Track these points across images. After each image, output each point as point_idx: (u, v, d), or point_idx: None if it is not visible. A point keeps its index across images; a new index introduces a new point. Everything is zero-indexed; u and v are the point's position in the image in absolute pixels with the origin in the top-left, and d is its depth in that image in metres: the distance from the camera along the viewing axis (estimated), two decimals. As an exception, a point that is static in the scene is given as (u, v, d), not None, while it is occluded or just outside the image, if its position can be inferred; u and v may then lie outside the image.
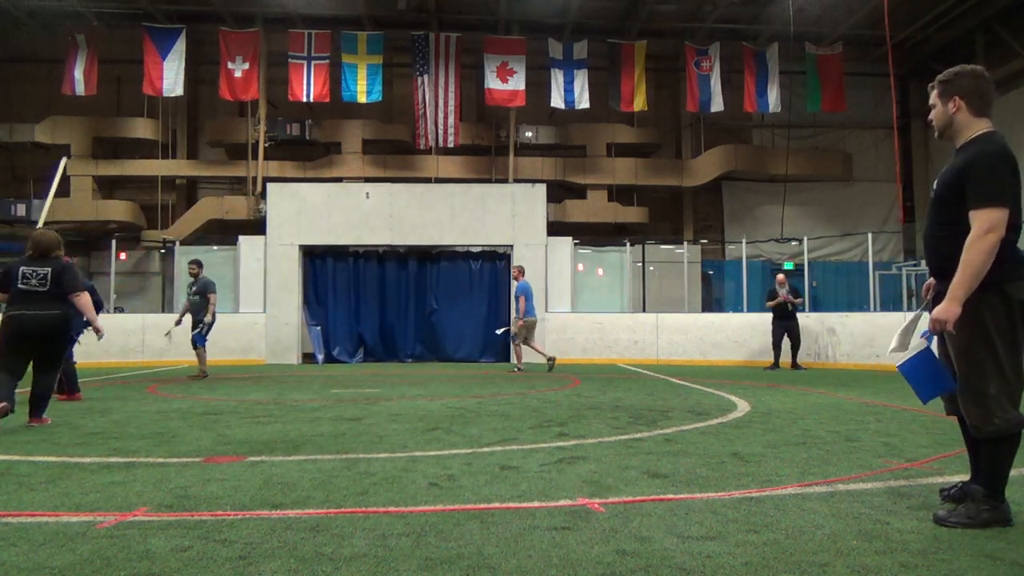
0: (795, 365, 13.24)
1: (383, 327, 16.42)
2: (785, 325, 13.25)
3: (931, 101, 3.15)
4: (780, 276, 13.77)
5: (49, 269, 5.99)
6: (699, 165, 20.56)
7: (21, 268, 5.99)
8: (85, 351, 14.67)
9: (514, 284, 13.52)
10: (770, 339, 13.49)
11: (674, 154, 21.46)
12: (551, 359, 13.02)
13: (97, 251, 19.89)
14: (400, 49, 19.62)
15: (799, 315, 13.57)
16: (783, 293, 13.24)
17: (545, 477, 3.93)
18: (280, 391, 9.07)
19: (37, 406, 6.08)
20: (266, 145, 19.34)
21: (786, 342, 13.33)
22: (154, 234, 19.60)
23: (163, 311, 17.53)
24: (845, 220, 20.45)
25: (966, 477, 3.91)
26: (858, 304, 17.63)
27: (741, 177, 21.00)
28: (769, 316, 13.63)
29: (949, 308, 2.87)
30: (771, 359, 13.44)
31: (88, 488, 3.70)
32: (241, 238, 16.28)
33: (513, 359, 13.53)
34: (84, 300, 6.12)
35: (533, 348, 13.30)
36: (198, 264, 11.39)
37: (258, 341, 15.47)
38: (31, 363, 6.10)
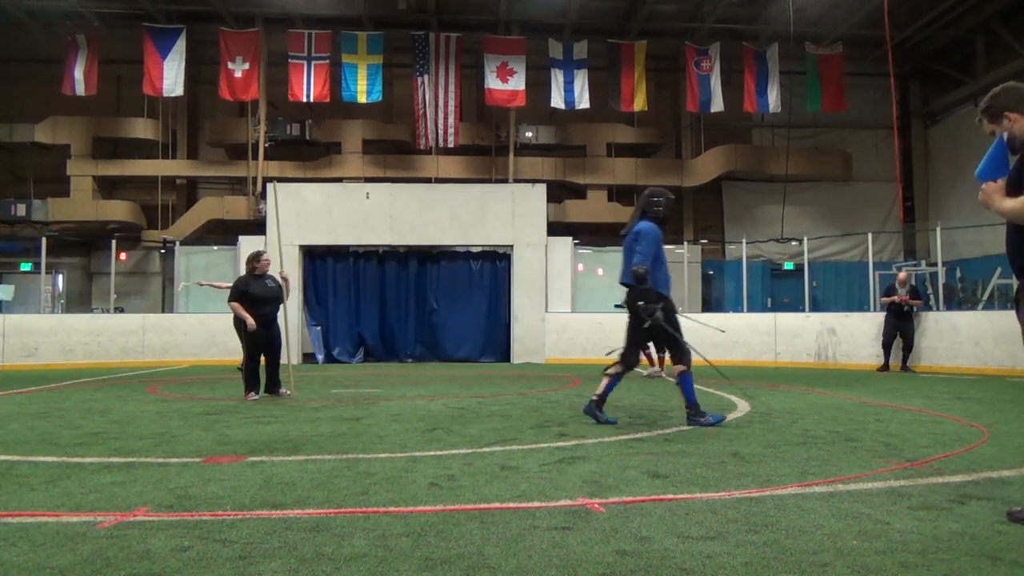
0: (905, 367, 12.78)
1: (383, 327, 16.42)
2: (899, 326, 12.80)
3: (986, 130, 3.21)
4: (902, 275, 13.21)
5: None
6: (699, 165, 20.55)
7: None
8: (87, 351, 14.81)
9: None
10: (881, 339, 13.08)
11: (674, 154, 21.44)
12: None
13: (97, 251, 19.89)
14: (400, 49, 19.61)
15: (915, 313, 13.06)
16: (901, 293, 12.80)
17: (545, 477, 3.93)
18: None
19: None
20: (266, 145, 19.32)
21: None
22: (154, 234, 19.59)
23: (163, 311, 17.52)
24: (845, 220, 20.43)
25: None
26: (858, 304, 17.64)
27: (741, 177, 20.98)
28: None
29: (995, 197, 3.01)
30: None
31: (88, 488, 3.70)
32: (241, 238, 16.28)
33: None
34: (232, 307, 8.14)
35: None
36: None
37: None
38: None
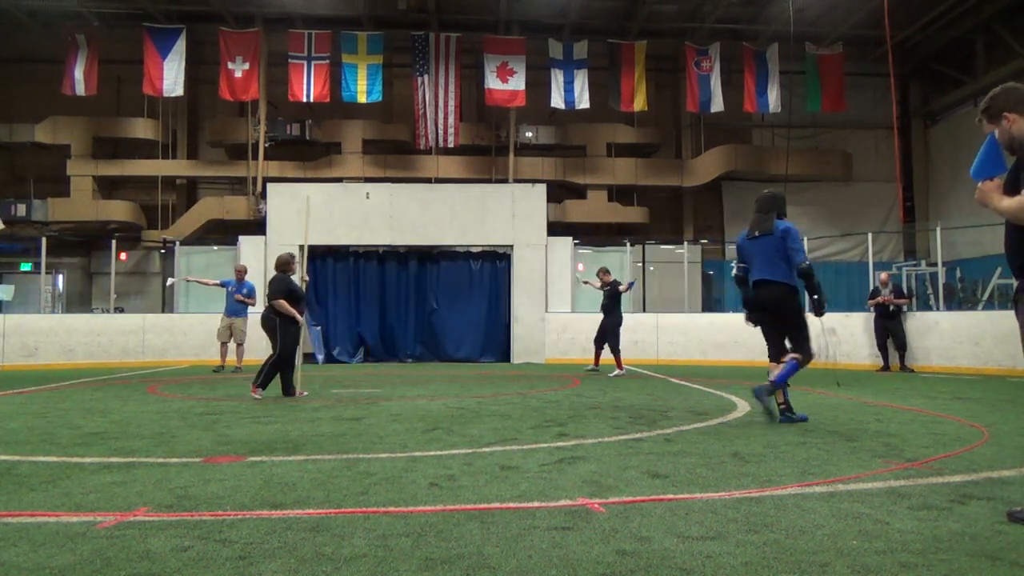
0: (904, 367, 12.72)
1: (383, 327, 16.42)
2: (887, 325, 12.78)
3: (986, 131, 3.19)
4: (883, 275, 13.23)
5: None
6: (699, 165, 20.56)
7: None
8: (87, 351, 14.81)
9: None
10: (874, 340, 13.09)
11: (674, 154, 21.46)
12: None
13: (97, 251, 19.90)
14: (400, 49, 19.62)
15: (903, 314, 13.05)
16: (885, 293, 12.81)
17: (545, 477, 3.93)
18: (280, 391, 9.05)
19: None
20: (266, 145, 19.34)
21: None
22: (154, 234, 19.60)
23: (163, 311, 17.52)
24: (845, 220, 20.44)
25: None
26: (858, 304, 17.62)
27: (741, 177, 20.99)
28: (870, 316, 13.25)
29: (992, 196, 3.00)
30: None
31: (88, 488, 3.70)
32: (241, 238, 16.28)
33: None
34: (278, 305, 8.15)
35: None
36: None
37: (258, 341, 15.42)
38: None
